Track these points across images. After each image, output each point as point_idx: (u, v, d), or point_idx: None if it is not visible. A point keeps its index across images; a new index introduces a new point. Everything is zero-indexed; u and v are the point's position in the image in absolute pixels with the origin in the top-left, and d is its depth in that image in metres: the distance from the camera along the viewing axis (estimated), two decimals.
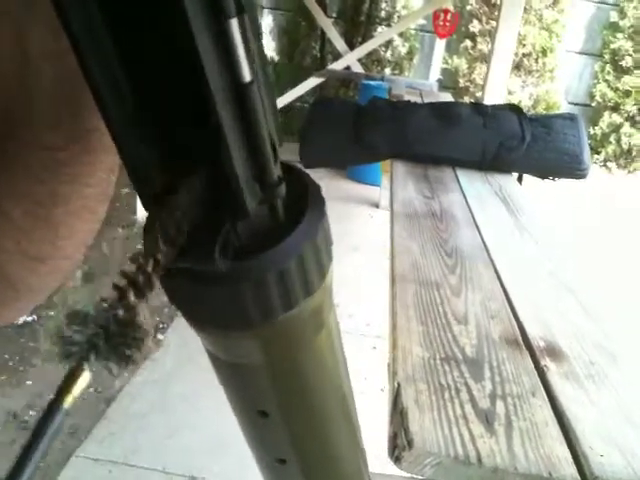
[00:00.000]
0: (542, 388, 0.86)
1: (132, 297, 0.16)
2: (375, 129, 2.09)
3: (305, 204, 0.20)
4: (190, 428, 2.17)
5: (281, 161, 0.18)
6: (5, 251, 0.31)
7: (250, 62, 0.15)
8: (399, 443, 0.73)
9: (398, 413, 0.78)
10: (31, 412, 2.28)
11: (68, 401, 0.16)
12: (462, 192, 1.90)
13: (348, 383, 0.27)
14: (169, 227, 0.16)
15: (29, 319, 2.92)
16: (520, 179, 2.23)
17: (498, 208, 1.77)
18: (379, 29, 7.03)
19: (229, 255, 0.18)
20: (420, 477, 0.72)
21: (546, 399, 0.83)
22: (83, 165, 0.28)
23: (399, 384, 0.83)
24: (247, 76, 0.15)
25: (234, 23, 0.14)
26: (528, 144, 2.09)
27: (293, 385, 0.24)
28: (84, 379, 0.16)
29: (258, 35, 0.16)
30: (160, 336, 2.71)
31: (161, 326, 2.79)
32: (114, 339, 0.16)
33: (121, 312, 0.16)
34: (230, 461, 2.01)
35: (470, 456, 0.71)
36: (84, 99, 0.25)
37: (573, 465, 0.71)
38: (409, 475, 0.73)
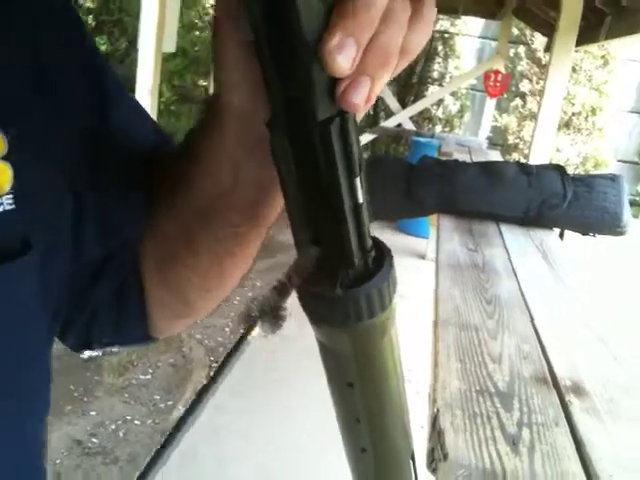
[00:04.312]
0: (565, 419, 0.97)
1: (283, 294, 0.31)
2: (425, 186, 2.25)
3: (382, 258, 0.35)
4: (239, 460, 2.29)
5: None
6: (191, 283, 0.48)
7: (363, 192, 0.30)
8: (436, 456, 0.86)
9: (436, 432, 0.90)
10: (94, 440, 2.44)
11: (250, 337, 0.31)
12: (504, 246, 2.02)
13: (402, 373, 0.42)
14: (294, 275, 0.32)
15: (94, 354, 3.13)
16: (562, 235, 2.34)
17: (538, 261, 1.88)
18: (431, 89, 7.28)
19: (342, 286, 0.33)
20: None
21: (567, 429, 0.95)
22: (252, 235, 0.45)
23: (438, 409, 0.96)
24: (360, 197, 0.30)
25: (358, 181, 0.29)
26: (570, 202, 2.20)
27: (368, 366, 0.38)
28: (256, 330, 0.31)
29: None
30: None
31: (214, 365, 2.95)
32: (273, 312, 0.31)
33: (277, 299, 0.31)
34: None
35: (496, 470, 0.83)
36: (267, 199, 0.41)
37: None
38: None
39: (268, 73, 0.28)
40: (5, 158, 0.35)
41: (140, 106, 0.51)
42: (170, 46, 3.17)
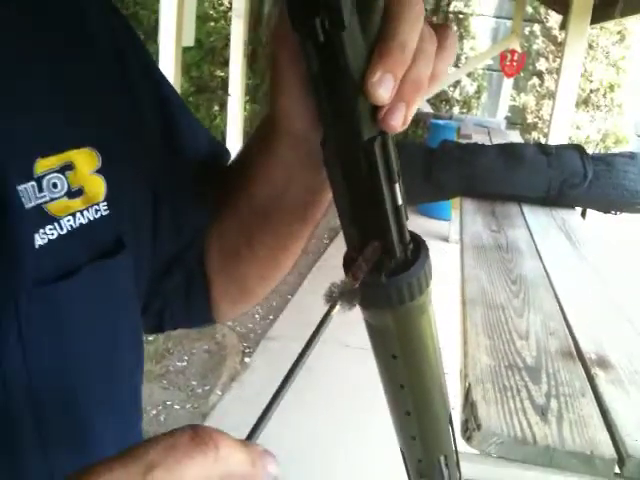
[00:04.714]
0: (590, 390, 1.03)
1: (355, 278, 0.37)
2: (446, 170, 2.29)
3: (419, 249, 0.41)
4: (276, 439, 2.37)
5: None
6: (249, 273, 0.55)
7: (401, 195, 0.36)
8: (469, 426, 0.92)
9: (469, 405, 0.96)
10: None
11: (333, 313, 0.36)
12: (527, 226, 2.06)
13: (439, 347, 0.48)
14: (364, 263, 0.38)
15: None
16: (584, 213, 2.38)
17: (560, 240, 1.92)
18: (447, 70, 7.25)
19: (386, 275, 0.39)
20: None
21: (593, 399, 1.00)
22: (303, 232, 0.51)
23: (469, 384, 1.02)
24: (400, 200, 0.36)
25: (397, 186, 0.35)
26: (590, 181, 2.24)
27: (409, 341, 0.44)
28: (336, 310, 0.36)
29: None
30: (247, 359, 2.95)
31: (247, 350, 3.02)
32: (349, 293, 0.37)
33: (351, 282, 0.37)
34: (312, 467, 2.20)
35: (527, 437, 0.89)
36: (315, 201, 0.47)
37: (612, 447, 0.88)
38: (478, 452, 0.91)
39: (322, 102, 0.35)
40: (99, 171, 0.41)
41: (193, 115, 0.58)
42: (189, 40, 3.22)
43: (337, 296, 0.34)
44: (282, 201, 0.48)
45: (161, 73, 0.53)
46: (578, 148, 2.40)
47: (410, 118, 0.34)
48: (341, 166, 0.36)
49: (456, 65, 7.28)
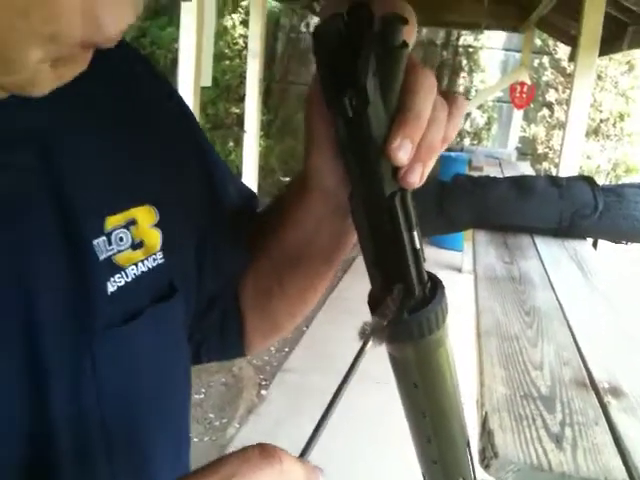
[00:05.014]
0: (604, 418, 1.06)
1: (384, 318, 0.42)
2: (458, 204, 2.34)
3: (436, 288, 0.46)
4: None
5: None
6: (279, 310, 0.60)
7: (419, 240, 0.41)
8: (487, 454, 0.96)
9: (486, 433, 1.00)
10: None
11: (366, 349, 0.41)
12: (539, 257, 2.10)
13: (456, 377, 0.52)
14: (390, 304, 0.43)
15: None
16: (595, 244, 2.42)
17: (572, 271, 1.96)
18: None
19: (407, 312, 0.44)
20: None
21: (606, 427, 1.03)
22: (329, 272, 0.57)
23: (486, 413, 1.06)
24: (418, 245, 0.41)
25: (415, 233, 0.41)
26: (601, 212, 2.28)
27: (429, 371, 0.49)
28: (370, 345, 0.41)
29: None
30: (263, 392, 2.98)
31: (264, 383, 3.06)
32: (379, 330, 0.42)
33: (380, 321, 0.42)
34: None
35: (543, 464, 0.92)
36: (340, 246, 0.53)
37: (625, 472, 0.91)
38: (495, 479, 0.95)
39: (349, 163, 0.41)
40: (156, 225, 0.47)
41: (225, 164, 0.64)
42: (207, 80, 3.33)
43: (369, 333, 0.39)
44: (311, 246, 0.54)
45: (198, 126, 0.59)
46: (588, 180, 2.45)
47: (426, 175, 0.40)
48: (366, 217, 0.42)
49: (466, 98, 7.40)
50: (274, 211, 0.58)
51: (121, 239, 0.43)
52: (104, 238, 0.42)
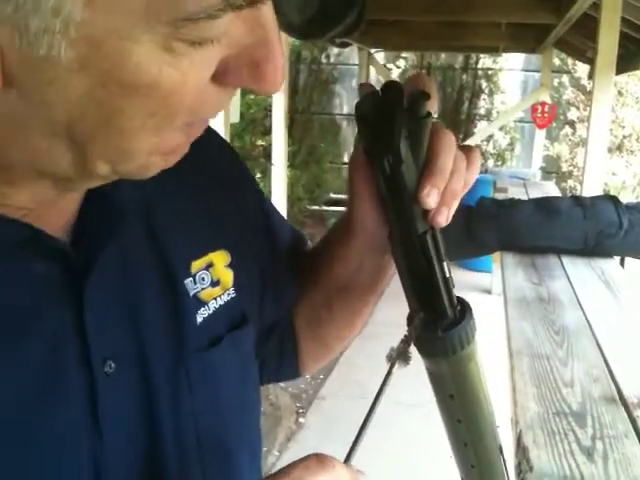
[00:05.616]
0: (633, 432, 1.11)
1: (408, 343, 0.50)
2: (485, 227, 2.40)
3: (464, 309, 0.53)
4: None
5: None
6: (329, 334, 0.68)
7: (448, 269, 0.49)
8: (522, 469, 1.02)
9: (521, 449, 1.06)
10: None
11: (392, 372, 0.49)
12: (567, 277, 2.15)
13: (487, 388, 0.59)
14: (413, 331, 0.50)
15: None
16: (622, 262, 2.45)
17: (600, 289, 2.00)
18: (479, 125, 7.45)
19: (441, 331, 0.52)
20: None
21: (636, 439, 1.09)
22: (373, 300, 0.65)
23: (520, 430, 1.12)
24: (448, 274, 0.49)
25: (445, 264, 0.49)
26: (626, 230, 2.31)
27: (462, 383, 0.56)
28: (395, 368, 0.48)
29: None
30: (301, 419, 3.04)
31: (301, 410, 3.11)
32: (404, 354, 0.49)
33: (405, 346, 0.50)
34: None
35: (576, 476, 0.98)
36: (380, 277, 0.62)
37: None
38: None
39: (387, 208, 0.50)
40: (229, 265, 0.55)
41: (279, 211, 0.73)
42: (235, 117, 3.45)
43: (396, 357, 0.47)
44: (356, 278, 0.62)
45: (252, 177, 0.69)
46: (612, 198, 2.49)
47: (451, 216, 0.49)
48: (403, 252, 0.51)
49: (488, 119, 7.48)
50: (324, 249, 0.67)
51: (203, 279, 0.52)
52: (191, 279, 0.51)
